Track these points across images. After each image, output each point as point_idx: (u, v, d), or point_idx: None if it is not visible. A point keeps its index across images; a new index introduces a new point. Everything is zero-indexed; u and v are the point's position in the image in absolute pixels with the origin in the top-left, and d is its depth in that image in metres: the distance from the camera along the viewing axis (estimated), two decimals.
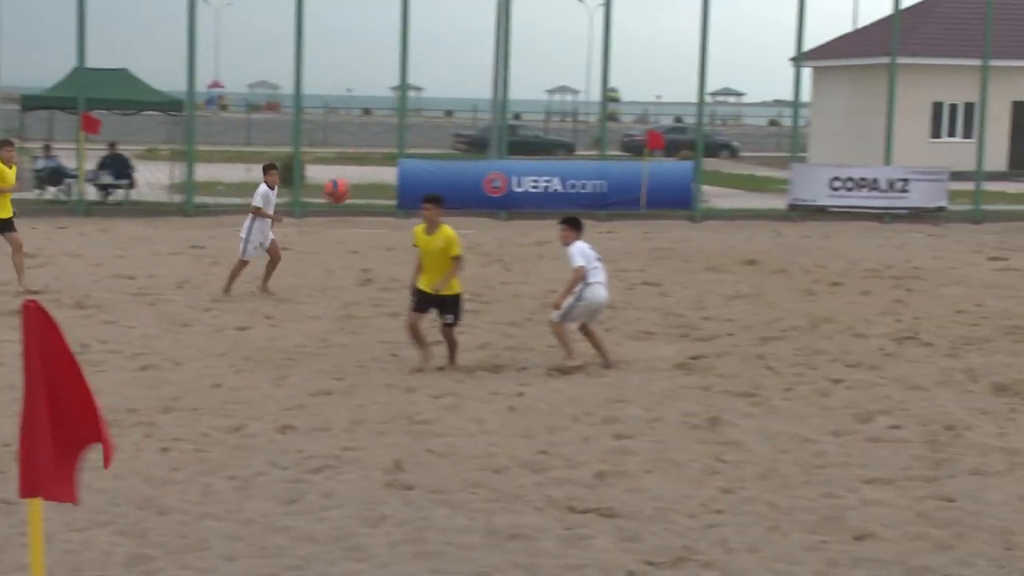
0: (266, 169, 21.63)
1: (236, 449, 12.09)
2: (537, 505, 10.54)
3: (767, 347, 17.55)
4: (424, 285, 15.80)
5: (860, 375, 15.85)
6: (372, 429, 12.86)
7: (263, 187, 21.32)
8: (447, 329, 15.92)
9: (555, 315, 16.04)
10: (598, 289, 15.99)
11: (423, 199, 16.21)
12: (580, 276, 15.84)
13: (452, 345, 15.99)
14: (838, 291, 22.95)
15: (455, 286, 15.86)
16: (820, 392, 14.94)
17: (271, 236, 21.34)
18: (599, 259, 16.22)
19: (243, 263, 21.22)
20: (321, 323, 18.89)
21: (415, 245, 16.06)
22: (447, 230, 15.80)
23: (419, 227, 16.03)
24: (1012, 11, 52.97)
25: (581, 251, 16.03)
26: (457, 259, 15.78)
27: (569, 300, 15.93)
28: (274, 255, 21.37)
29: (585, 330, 16.25)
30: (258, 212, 21.18)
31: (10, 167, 21.12)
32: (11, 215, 20.95)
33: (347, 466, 11.58)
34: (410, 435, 12.65)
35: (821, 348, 17.48)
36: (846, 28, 55.82)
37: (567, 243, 16.20)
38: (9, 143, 22.16)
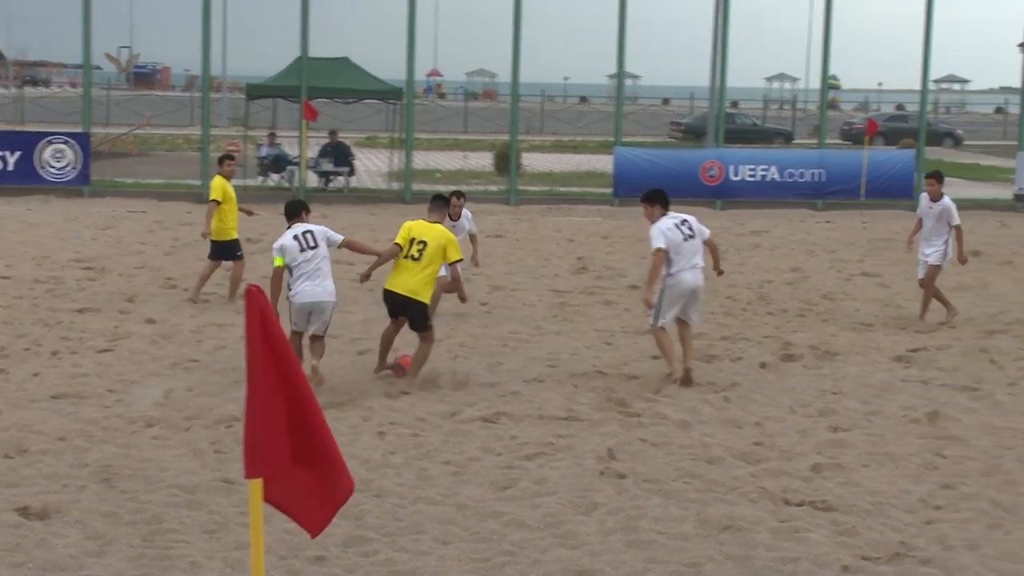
0: (929, 178, 18.68)
1: (451, 435, 12.23)
2: (751, 497, 10.44)
3: (991, 340, 17.08)
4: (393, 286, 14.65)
5: None
6: (585, 417, 12.89)
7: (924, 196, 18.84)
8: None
9: (650, 320, 14.73)
10: (685, 276, 14.38)
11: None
12: (660, 261, 14.29)
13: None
14: None
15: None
16: None
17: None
18: (691, 236, 14.46)
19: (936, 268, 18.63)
20: (535, 310, 18.97)
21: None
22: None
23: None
24: None
25: (662, 231, 14.36)
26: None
27: (654, 295, 14.40)
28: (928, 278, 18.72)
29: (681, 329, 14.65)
30: None
31: None
32: None
33: (560, 453, 11.62)
34: (623, 424, 12.64)
35: None
36: None
37: (651, 220, 14.59)
38: None
